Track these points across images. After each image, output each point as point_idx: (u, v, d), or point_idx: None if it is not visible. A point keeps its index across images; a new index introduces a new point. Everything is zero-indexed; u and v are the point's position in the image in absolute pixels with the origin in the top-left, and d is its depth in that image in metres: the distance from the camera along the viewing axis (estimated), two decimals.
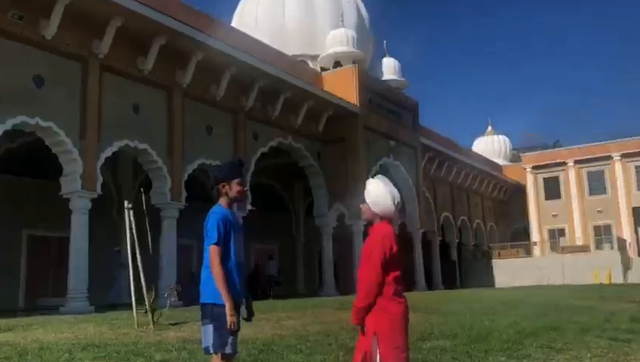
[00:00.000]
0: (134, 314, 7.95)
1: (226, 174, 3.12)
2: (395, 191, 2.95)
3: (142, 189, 8.83)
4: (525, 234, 40.07)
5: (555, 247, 36.71)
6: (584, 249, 33.79)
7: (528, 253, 36.04)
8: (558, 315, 9.48)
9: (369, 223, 2.99)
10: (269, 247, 27.87)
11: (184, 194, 16.46)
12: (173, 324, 8.33)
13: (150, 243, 8.24)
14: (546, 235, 38.57)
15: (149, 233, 8.21)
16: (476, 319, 8.36)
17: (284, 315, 9.43)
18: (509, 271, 33.79)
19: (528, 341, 6.32)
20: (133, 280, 8.12)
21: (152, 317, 7.97)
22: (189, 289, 19.89)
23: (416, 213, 26.86)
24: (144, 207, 8.38)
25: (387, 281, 2.74)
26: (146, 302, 8.01)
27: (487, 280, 33.10)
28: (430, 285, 29.42)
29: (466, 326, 7.60)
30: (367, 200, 2.95)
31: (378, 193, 2.91)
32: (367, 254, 2.79)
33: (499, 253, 35.92)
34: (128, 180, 20.50)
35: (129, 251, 8.22)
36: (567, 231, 37.73)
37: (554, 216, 38.34)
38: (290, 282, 27.79)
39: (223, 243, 2.99)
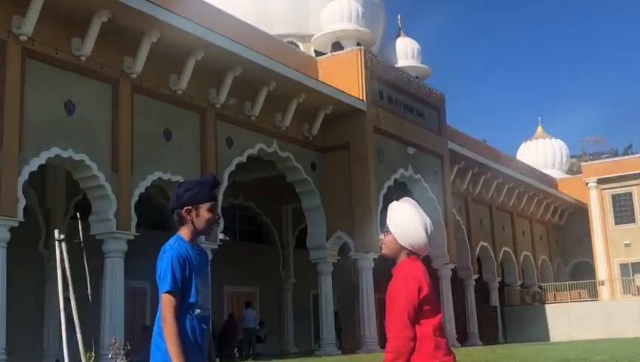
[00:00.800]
0: None
1: (193, 195, 3.10)
2: (427, 218, 2.97)
3: (78, 215, 8.78)
4: (589, 270, 40.08)
5: (629, 288, 36.72)
6: None
7: (593, 295, 36.06)
8: None
9: (392, 260, 2.99)
10: (248, 291, 27.79)
11: (134, 220, 16.46)
12: None
13: (89, 287, 8.16)
14: (616, 272, 38.57)
15: (87, 272, 8.14)
16: None
17: None
18: (568, 320, 33.76)
19: None
20: (66, 335, 8.04)
21: None
22: (140, 354, 19.97)
23: (444, 243, 26.91)
24: (81, 239, 8.32)
25: (424, 334, 2.73)
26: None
27: (539, 333, 33.07)
28: (463, 339, 29.34)
29: None
30: (392, 230, 2.95)
31: (407, 220, 2.92)
32: (392, 305, 2.79)
33: (554, 295, 35.94)
34: (60, 203, 20.47)
35: (60, 297, 8.15)
36: None
37: (627, 245, 38.44)
38: (277, 337, 27.69)
39: (180, 290, 2.97)
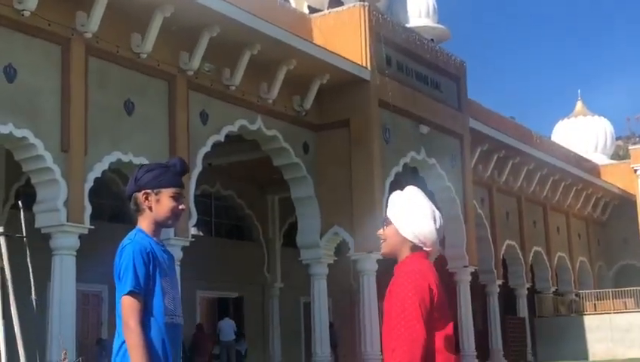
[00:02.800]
0: None
1: (154, 177, 3.12)
2: (436, 209, 3.01)
3: (20, 203, 8.79)
4: (637, 275, 40.24)
5: None
6: None
7: None
8: None
9: (393, 256, 3.02)
10: (225, 296, 27.87)
11: (88, 210, 16.44)
12: None
13: (34, 291, 8.19)
14: None
15: (31, 273, 8.16)
16: None
17: None
18: (610, 335, 33.94)
19: None
20: (6, 348, 8.08)
21: None
22: None
23: (463, 242, 26.98)
24: (23, 233, 8.34)
25: (432, 348, 2.74)
26: None
27: (576, 349, 33.30)
28: (484, 356, 29.47)
29: None
30: (393, 221, 2.98)
31: (411, 210, 2.96)
32: (396, 309, 2.78)
33: (594, 305, 36.15)
34: None
35: None
36: None
37: None
38: (260, 352, 27.81)
39: (144, 292, 2.98)
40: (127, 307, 2.94)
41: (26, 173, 16.79)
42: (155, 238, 3.11)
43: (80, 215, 16.29)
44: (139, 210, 3.12)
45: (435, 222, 2.92)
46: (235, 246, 28.20)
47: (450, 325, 2.84)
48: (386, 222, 2.99)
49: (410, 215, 2.90)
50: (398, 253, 2.98)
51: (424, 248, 2.95)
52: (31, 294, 8.24)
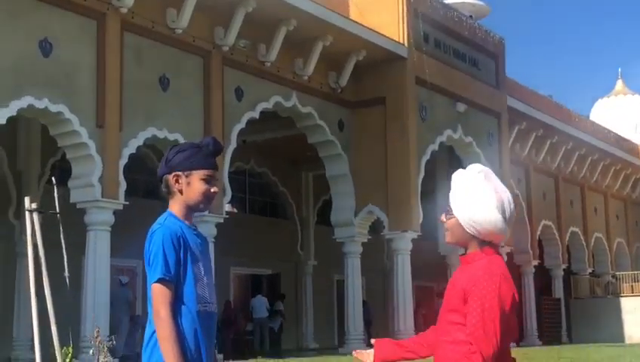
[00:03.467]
0: None
1: (185, 158, 2.96)
2: (505, 192, 2.69)
3: (53, 179, 8.71)
4: None
5: None
6: None
7: None
8: None
9: (460, 246, 2.76)
10: (258, 273, 27.86)
11: (123, 186, 16.46)
12: None
13: (66, 268, 8.12)
14: None
15: (64, 250, 8.08)
16: None
17: None
18: None
19: None
20: (38, 326, 8.03)
21: None
22: (130, 342, 20.19)
23: None
24: (57, 209, 8.26)
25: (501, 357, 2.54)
26: (58, 358, 7.90)
27: (612, 332, 32.85)
28: (519, 338, 29.20)
29: None
30: (454, 212, 2.70)
31: (473, 199, 2.65)
32: (474, 311, 2.55)
33: (632, 287, 35.66)
34: (34, 164, 20.56)
35: (31, 279, 8.12)
36: None
37: None
38: (293, 330, 27.81)
39: (174, 279, 2.83)
40: (158, 295, 2.79)
41: (61, 148, 16.81)
42: (186, 222, 2.95)
43: (115, 191, 16.31)
44: (170, 192, 2.96)
45: (502, 213, 2.57)
46: (269, 224, 28.15)
47: (514, 336, 2.64)
48: (449, 211, 2.69)
49: (472, 206, 2.56)
50: (465, 245, 2.70)
51: (493, 243, 2.68)
52: (64, 271, 8.16)
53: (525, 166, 31.34)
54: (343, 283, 23.24)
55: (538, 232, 32.03)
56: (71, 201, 16.00)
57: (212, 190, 2.97)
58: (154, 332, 2.80)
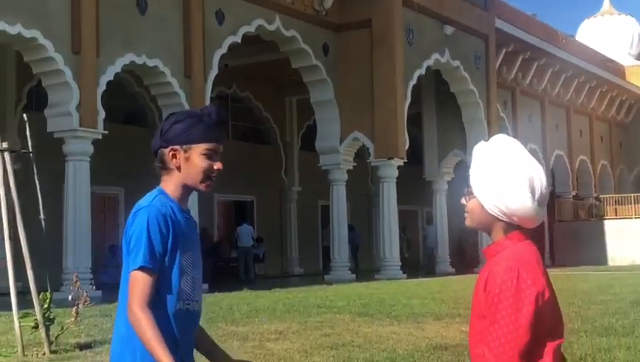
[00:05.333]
0: (17, 330, 7.59)
1: (183, 130, 2.51)
2: (538, 166, 2.26)
3: (25, 117, 8.28)
4: None
5: None
6: None
7: None
8: None
9: (482, 231, 2.35)
10: (242, 200, 27.62)
11: (102, 115, 16.10)
12: (82, 346, 7.99)
13: (42, 211, 7.77)
14: None
15: (38, 191, 7.73)
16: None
17: (269, 331, 9.08)
18: (631, 241, 33.65)
19: None
20: (13, 269, 7.72)
21: (47, 335, 7.61)
22: (108, 271, 20.00)
23: None
24: (29, 148, 7.85)
25: (540, 354, 2.15)
26: (36, 308, 7.62)
27: (595, 255, 33.03)
28: None
29: None
30: (476, 193, 2.28)
31: (499, 179, 2.22)
32: (503, 311, 2.16)
33: (615, 210, 35.77)
34: (10, 90, 20.02)
35: (4, 220, 7.78)
36: None
37: None
38: (278, 256, 27.77)
39: (158, 268, 2.41)
40: (135, 285, 2.37)
41: (36, 75, 16.38)
42: (180, 204, 2.52)
43: (93, 120, 15.95)
44: (165, 168, 2.51)
45: (532, 192, 2.19)
46: (253, 150, 27.73)
47: (562, 331, 2.25)
48: (469, 192, 2.32)
49: (498, 186, 2.18)
50: (488, 229, 2.30)
51: (522, 226, 2.27)
52: (40, 214, 7.81)
53: (512, 89, 31.01)
54: (328, 208, 23.06)
55: None
56: (48, 131, 15.71)
57: (215, 166, 2.52)
58: (128, 327, 2.39)
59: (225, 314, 10.81)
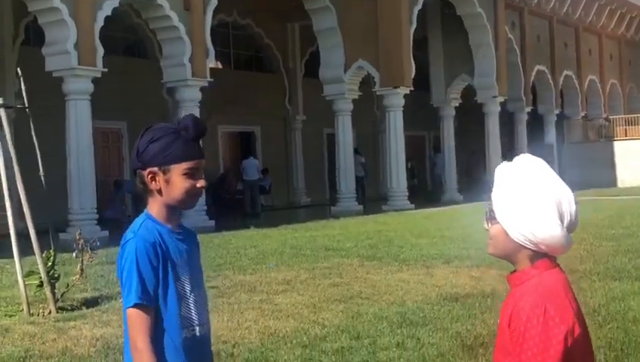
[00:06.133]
0: (22, 289, 7.51)
1: (160, 150, 2.33)
2: (566, 190, 2.07)
3: (19, 71, 8.04)
4: None
5: None
6: None
7: None
8: None
9: (505, 259, 2.17)
10: (246, 130, 27.39)
11: (100, 52, 15.88)
12: (88, 302, 7.92)
13: (41, 167, 7.59)
14: None
15: (37, 148, 7.55)
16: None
17: (277, 281, 9.00)
18: None
19: None
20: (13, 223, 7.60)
21: (53, 293, 7.53)
22: (115, 206, 20.00)
23: (493, 71, 26.04)
24: (25, 103, 7.61)
25: None
26: (40, 268, 7.52)
27: (605, 177, 32.88)
28: None
29: None
30: (500, 220, 2.09)
31: (526, 206, 2.03)
32: (517, 340, 2.01)
33: (625, 130, 35.42)
34: (7, 25, 19.59)
35: (2, 175, 7.61)
36: None
37: None
38: (284, 186, 27.69)
39: (153, 302, 2.27)
40: (134, 323, 2.27)
41: (32, 12, 16.04)
42: (169, 225, 2.35)
43: (92, 57, 15.73)
44: (147, 191, 2.34)
45: (562, 220, 2.02)
46: (254, 78, 27.28)
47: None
48: (492, 217, 2.13)
49: (524, 212, 2.01)
50: (512, 259, 2.12)
51: (549, 253, 2.09)
52: (39, 171, 7.64)
53: (519, 9, 30.33)
54: (334, 136, 22.84)
55: (532, 78, 31.43)
56: (46, 70, 15.52)
57: (197, 185, 2.35)
58: None
59: (232, 260, 10.73)
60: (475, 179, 28.92)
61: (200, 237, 2.59)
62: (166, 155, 2.29)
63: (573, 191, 2.06)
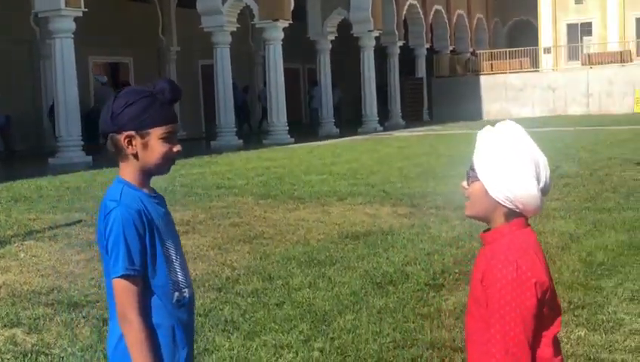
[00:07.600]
0: None
1: (137, 113, 2.32)
2: (541, 155, 2.26)
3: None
4: (531, 31, 40.77)
5: (575, 55, 37.87)
6: (621, 57, 35.02)
7: (535, 64, 37.00)
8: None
9: (481, 220, 2.33)
10: (118, 61, 26.62)
11: None
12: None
13: None
14: (563, 36, 39.46)
15: None
16: None
17: (176, 220, 8.97)
18: (504, 95, 34.83)
19: None
20: None
21: None
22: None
23: (369, 4, 26.25)
24: None
25: (541, 356, 2.22)
26: None
27: (471, 110, 34.07)
28: (384, 119, 29.93)
29: None
30: (481, 177, 2.25)
31: (506, 164, 2.21)
32: (493, 303, 2.19)
33: (491, 65, 36.60)
34: None
35: None
36: (595, 27, 38.69)
37: (577, 2, 38.95)
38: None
39: (141, 271, 2.29)
40: (122, 294, 2.26)
41: None
42: (145, 190, 2.36)
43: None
44: (120, 154, 2.32)
45: (539, 181, 2.21)
46: (126, 7, 26.35)
47: (560, 318, 2.29)
48: (472, 175, 2.29)
49: (505, 172, 2.19)
50: (488, 218, 2.29)
51: (523, 213, 2.27)
52: None
53: None
54: (210, 68, 22.56)
55: (404, 12, 31.90)
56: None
57: (174, 149, 2.36)
58: (121, 336, 2.30)
59: None
60: (342, 113, 29.45)
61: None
62: (144, 119, 2.28)
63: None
